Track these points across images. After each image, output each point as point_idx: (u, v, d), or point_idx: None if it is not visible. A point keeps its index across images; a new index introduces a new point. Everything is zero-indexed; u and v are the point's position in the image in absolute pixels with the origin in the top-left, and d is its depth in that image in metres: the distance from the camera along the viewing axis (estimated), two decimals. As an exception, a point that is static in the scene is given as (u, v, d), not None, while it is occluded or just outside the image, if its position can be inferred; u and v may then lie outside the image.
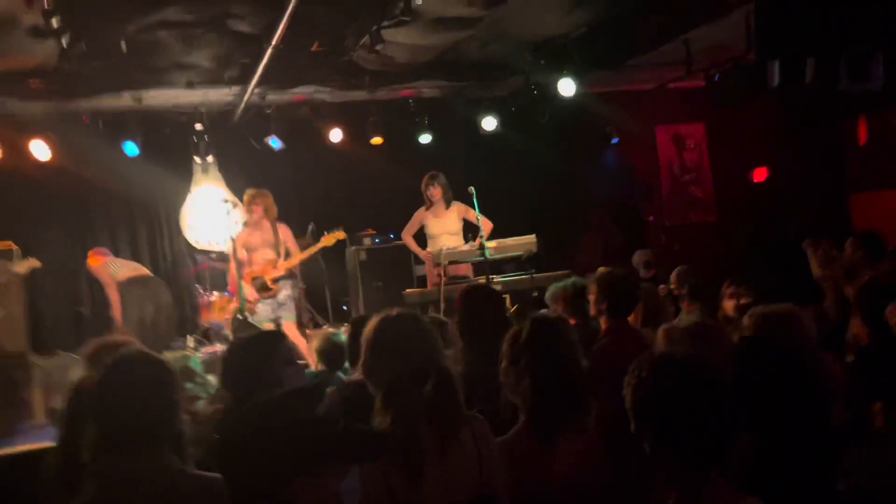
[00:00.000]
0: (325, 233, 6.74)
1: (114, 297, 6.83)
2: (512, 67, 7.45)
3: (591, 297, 3.55)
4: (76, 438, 2.41)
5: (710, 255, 8.32)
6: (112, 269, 6.92)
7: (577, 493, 2.15)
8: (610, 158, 9.52)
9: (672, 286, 4.23)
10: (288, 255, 6.60)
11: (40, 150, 7.10)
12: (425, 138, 8.30)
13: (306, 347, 6.16)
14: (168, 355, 4.62)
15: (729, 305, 3.94)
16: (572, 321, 4.38)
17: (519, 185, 8.72)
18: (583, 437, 2.20)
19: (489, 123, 8.10)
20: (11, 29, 5.28)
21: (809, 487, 1.58)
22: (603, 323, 3.50)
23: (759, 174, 9.79)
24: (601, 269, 3.62)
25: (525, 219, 8.08)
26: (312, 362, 5.28)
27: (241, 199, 8.52)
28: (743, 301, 3.86)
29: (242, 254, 6.47)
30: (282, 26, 5.60)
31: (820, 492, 1.65)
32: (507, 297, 6.37)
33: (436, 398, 1.95)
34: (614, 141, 9.41)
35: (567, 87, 6.91)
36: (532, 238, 6.18)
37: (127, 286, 6.74)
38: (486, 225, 6.32)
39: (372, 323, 2.07)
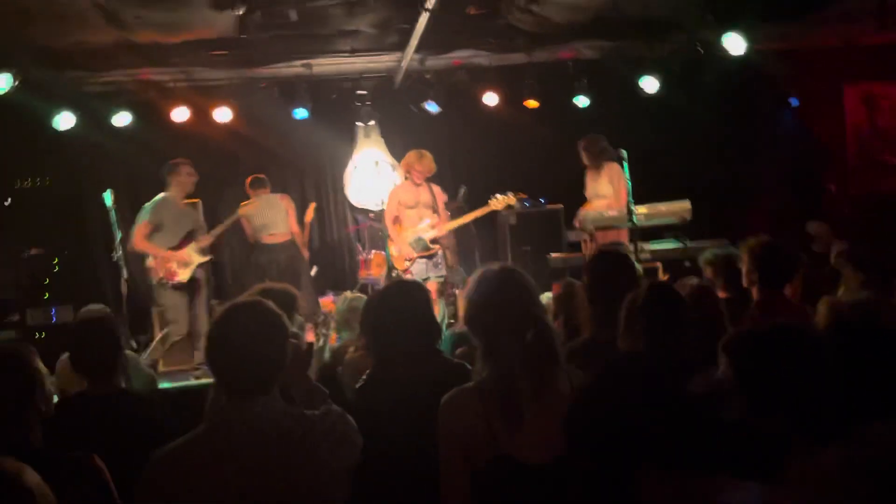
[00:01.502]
0: (496, 196, 6.70)
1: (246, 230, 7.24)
2: (676, 24, 7.05)
3: (743, 267, 3.39)
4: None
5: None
6: (255, 220, 7.13)
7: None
8: (785, 121, 8.80)
9: (834, 260, 3.87)
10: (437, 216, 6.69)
11: (223, 114, 7.74)
12: (582, 101, 8.12)
13: (438, 312, 6.28)
14: (348, 294, 4.89)
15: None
16: (722, 293, 4.20)
17: (680, 150, 8.32)
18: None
19: (650, 85, 7.76)
20: (196, 1, 5.76)
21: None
22: (755, 294, 3.36)
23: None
24: (754, 239, 3.44)
25: (686, 184, 7.71)
26: None
27: (399, 162, 8.85)
28: None
29: (399, 210, 6.63)
30: (437, -11, 5.69)
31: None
32: (660, 265, 6.21)
33: (533, 349, 2.01)
34: (794, 103, 8.69)
35: (735, 44, 6.44)
36: (686, 204, 5.90)
37: (255, 251, 7.22)
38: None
39: (474, 276, 2.14)
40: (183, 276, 5.99)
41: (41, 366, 2.10)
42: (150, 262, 6.05)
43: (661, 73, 7.73)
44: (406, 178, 6.74)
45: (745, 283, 3.45)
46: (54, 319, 7.04)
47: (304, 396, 2.18)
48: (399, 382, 2.54)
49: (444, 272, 6.72)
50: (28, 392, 2.00)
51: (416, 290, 2.81)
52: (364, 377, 2.77)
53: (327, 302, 7.12)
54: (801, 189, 8.78)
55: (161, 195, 6.14)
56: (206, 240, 6.30)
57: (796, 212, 8.43)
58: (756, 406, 1.38)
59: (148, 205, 6.19)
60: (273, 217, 7.21)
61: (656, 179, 7.62)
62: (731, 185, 8.45)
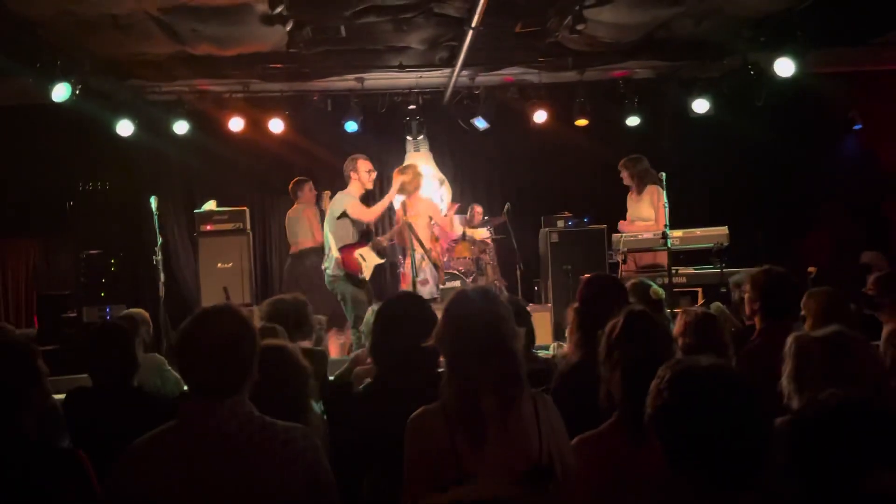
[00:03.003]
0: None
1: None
2: (728, 46, 6.91)
3: (745, 296, 3.30)
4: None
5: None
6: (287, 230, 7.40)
7: (665, 495, 2.04)
8: (847, 147, 8.48)
9: (870, 291, 3.66)
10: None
11: (276, 125, 7.97)
12: (633, 121, 8.03)
13: None
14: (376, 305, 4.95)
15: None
16: (749, 321, 4.09)
17: (734, 173, 8.13)
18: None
19: (700, 106, 7.62)
20: (248, 16, 5.97)
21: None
22: (757, 323, 3.26)
23: None
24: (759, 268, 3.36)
25: (737, 208, 7.54)
26: None
27: (447, 177, 8.91)
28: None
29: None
30: (480, 8, 5.73)
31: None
32: (700, 290, 6.08)
33: (498, 372, 2.02)
34: (856, 127, 8.39)
35: (785, 66, 6.26)
36: (723, 230, 5.77)
37: (290, 259, 7.40)
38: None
39: (451, 295, 2.17)
40: (366, 272, 6.10)
41: (41, 364, 2.22)
42: (336, 255, 6.08)
43: (712, 95, 7.59)
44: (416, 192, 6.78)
45: (747, 311, 3.35)
46: (108, 317, 7.37)
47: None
48: (389, 394, 2.57)
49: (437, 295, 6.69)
50: (23, 388, 2.12)
51: (417, 304, 2.83)
52: (362, 386, 2.82)
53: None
54: (863, 217, 8.44)
55: (345, 192, 6.19)
56: (381, 241, 6.38)
57: (857, 240, 8.10)
58: (670, 454, 1.34)
59: (339, 196, 6.22)
60: (294, 227, 7.42)
61: (703, 202, 7.48)
62: (788, 210, 8.20)
